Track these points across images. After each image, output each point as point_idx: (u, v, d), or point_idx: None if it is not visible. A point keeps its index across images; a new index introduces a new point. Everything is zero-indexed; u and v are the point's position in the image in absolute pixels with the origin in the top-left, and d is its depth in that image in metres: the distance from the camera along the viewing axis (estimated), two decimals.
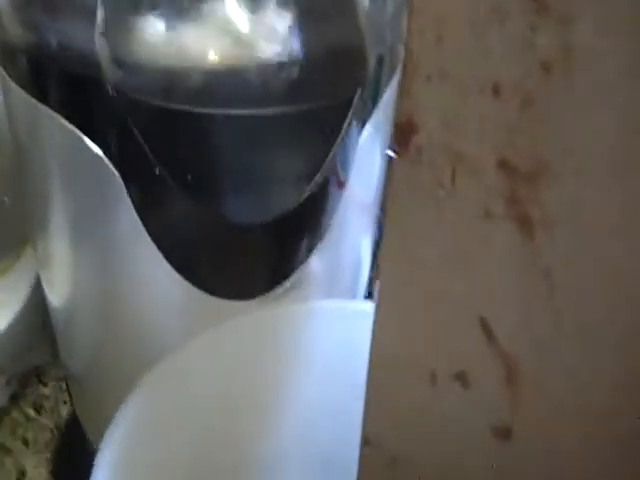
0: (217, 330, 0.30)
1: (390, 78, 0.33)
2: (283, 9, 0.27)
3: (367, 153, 0.33)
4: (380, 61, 0.31)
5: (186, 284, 0.33)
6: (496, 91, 0.18)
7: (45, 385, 0.51)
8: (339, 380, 0.30)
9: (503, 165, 0.18)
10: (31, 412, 0.49)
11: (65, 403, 0.50)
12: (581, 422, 0.21)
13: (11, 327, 0.43)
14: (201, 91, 0.28)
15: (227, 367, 0.30)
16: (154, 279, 0.33)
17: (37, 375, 0.52)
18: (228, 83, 0.28)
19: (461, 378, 0.23)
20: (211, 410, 0.30)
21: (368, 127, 0.32)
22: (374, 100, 0.32)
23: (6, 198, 0.43)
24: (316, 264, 0.33)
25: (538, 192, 0.18)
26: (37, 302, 0.41)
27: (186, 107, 0.28)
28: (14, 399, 0.49)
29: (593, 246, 0.18)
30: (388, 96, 0.33)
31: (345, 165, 0.32)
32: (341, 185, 0.32)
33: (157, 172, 0.29)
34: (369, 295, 0.43)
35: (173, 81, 0.27)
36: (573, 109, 0.16)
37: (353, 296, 0.39)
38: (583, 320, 0.19)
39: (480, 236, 0.20)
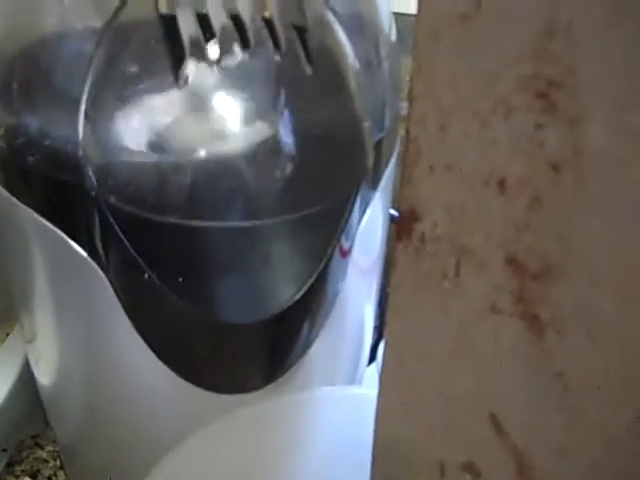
0: (218, 423, 0.28)
1: (389, 158, 0.31)
2: (274, 97, 0.26)
3: (369, 220, 0.31)
4: (379, 146, 0.29)
5: (178, 379, 0.31)
6: (502, 186, 0.17)
7: (42, 448, 0.49)
8: (343, 465, 0.29)
9: (511, 262, 0.17)
10: None
11: (62, 468, 0.48)
12: None
13: (5, 402, 0.41)
14: (191, 198, 0.26)
15: (229, 459, 0.29)
16: (144, 375, 0.31)
17: (33, 437, 0.49)
18: (216, 185, 0.26)
19: (471, 470, 0.22)
20: None
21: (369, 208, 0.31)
22: (374, 186, 0.30)
23: None
24: (317, 352, 0.31)
25: (548, 292, 0.17)
26: (30, 376, 0.40)
27: (174, 219, 0.26)
28: (10, 465, 0.47)
29: (606, 348, 0.17)
30: (389, 171, 0.32)
31: (348, 234, 0.30)
32: (345, 254, 0.30)
33: (146, 276, 0.27)
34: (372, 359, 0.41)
35: (160, 183, 0.26)
36: (584, 210, 0.16)
37: (355, 375, 0.38)
38: (598, 420, 0.18)
39: (487, 331, 0.19)
